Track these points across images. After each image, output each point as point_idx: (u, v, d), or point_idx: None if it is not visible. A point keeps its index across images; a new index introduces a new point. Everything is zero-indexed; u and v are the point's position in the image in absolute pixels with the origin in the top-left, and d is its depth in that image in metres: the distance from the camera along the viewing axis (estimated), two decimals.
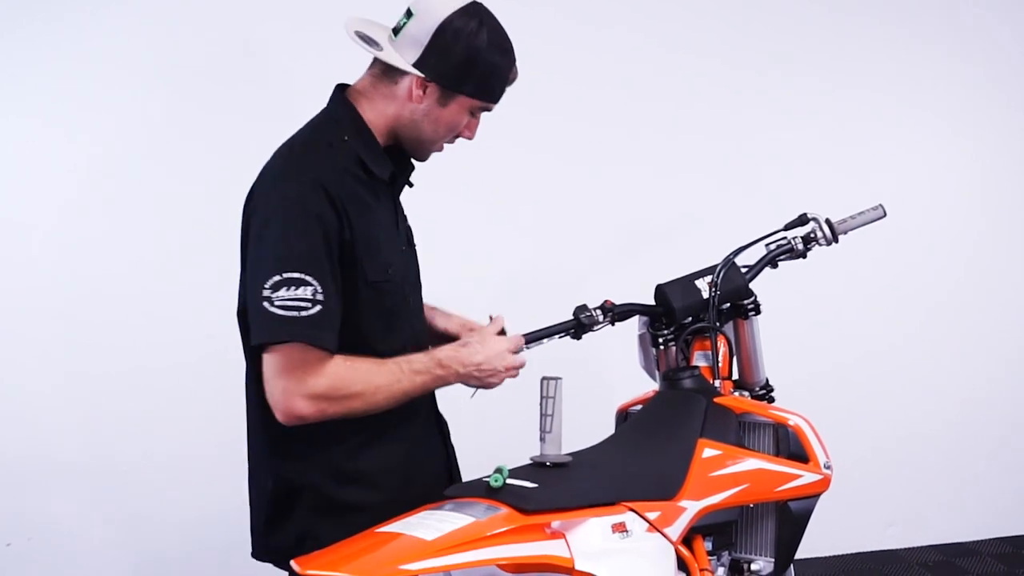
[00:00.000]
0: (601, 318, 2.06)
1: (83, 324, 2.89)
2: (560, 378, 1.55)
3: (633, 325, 2.22)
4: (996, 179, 3.81)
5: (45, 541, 2.89)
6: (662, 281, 2.13)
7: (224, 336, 2.94)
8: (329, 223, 1.65)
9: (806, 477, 1.95)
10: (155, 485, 2.97)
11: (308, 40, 2.98)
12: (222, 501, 2.96)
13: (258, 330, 1.63)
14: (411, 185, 1.93)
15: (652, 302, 2.15)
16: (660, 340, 2.14)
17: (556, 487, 1.47)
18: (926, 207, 3.69)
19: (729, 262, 2.13)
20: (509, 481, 1.43)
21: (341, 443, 1.74)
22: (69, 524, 2.90)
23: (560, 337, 2.03)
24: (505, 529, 1.33)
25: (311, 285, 1.60)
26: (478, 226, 3.10)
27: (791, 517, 1.95)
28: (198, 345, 2.97)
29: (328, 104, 1.85)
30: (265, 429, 1.74)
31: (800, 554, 3.54)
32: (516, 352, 1.83)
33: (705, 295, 2.10)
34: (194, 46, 2.91)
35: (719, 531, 1.88)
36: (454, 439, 1.99)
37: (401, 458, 1.81)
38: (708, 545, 1.88)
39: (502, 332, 1.87)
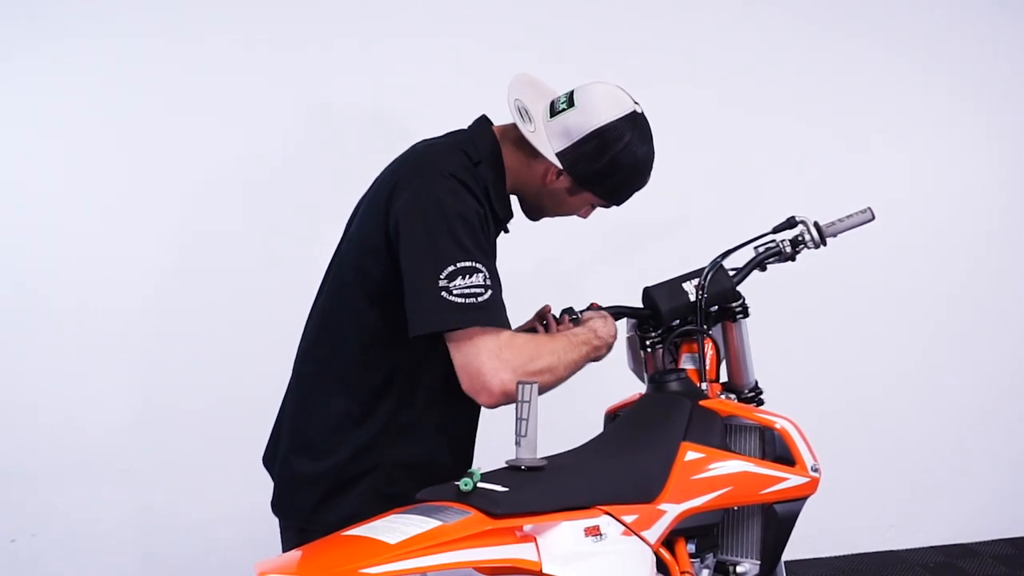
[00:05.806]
0: None
1: (85, 323, 2.93)
2: (536, 382, 1.56)
3: (622, 327, 2.23)
4: (989, 180, 3.80)
5: (49, 538, 2.92)
6: (650, 284, 2.13)
7: (232, 334, 2.98)
8: (482, 217, 1.76)
9: (792, 480, 1.93)
10: (159, 482, 3.01)
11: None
12: (227, 498, 2.99)
13: (438, 318, 1.67)
14: (507, 231, 1.99)
15: (640, 304, 2.15)
16: (648, 343, 2.15)
17: (528, 490, 1.47)
18: (918, 208, 3.68)
19: (717, 264, 2.13)
20: (480, 485, 1.44)
21: (413, 430, 1.81)
22: (73, 521, 2.94)
23: None
24: (471, 533, 1.33)
25: (481, 272, 1.69)
26: None
27: (777, 519, 1.94)
28: (204, 343, 3.01)
29: (471, 128, 1.92)
30: (366, 412, 1.79)
31: (801, 554, 3.56)
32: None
33: (692, 297, 2.11)
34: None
35: (702, 534, 1.88)
36: None
37: (444, 449, 1.88)
38: (692, 548, 1.87)
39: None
